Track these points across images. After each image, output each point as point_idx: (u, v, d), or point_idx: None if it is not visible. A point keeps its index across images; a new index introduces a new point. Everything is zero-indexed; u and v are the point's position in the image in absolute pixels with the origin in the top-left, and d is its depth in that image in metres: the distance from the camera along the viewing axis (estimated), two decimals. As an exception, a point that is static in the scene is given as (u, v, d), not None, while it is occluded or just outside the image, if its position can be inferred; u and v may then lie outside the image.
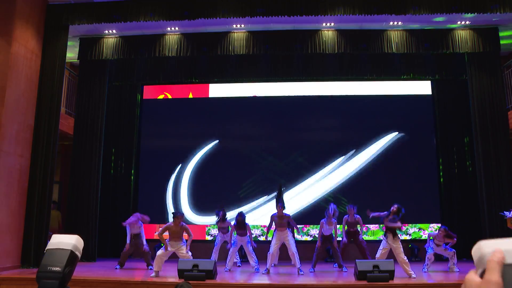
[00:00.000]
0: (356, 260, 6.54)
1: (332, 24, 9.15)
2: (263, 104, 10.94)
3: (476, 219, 9.49)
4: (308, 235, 10.24)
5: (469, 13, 8.20)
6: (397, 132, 10.59)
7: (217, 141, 10.82)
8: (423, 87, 10.86)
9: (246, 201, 10.42)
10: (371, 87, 10.88)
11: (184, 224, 7.14)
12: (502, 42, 9.26)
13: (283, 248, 8.01)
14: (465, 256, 9.69)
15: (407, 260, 6.85)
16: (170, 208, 10.43)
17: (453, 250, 7.58)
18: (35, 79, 8.39)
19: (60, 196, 11.15)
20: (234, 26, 9.19)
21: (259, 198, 10.40)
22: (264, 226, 10.13)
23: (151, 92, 11.34)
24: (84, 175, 9.37)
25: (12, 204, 7.65)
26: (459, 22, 9.04)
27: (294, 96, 10.95)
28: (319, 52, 9.33)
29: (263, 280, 6.61)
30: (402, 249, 6.94)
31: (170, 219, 7.79)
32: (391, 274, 6.20)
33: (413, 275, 6.64)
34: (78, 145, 9.55)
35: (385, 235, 7.17)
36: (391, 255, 7.17)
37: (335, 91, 10.93)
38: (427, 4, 8.08)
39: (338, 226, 8.19)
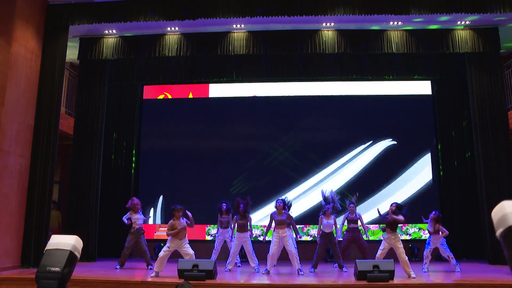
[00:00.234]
0: (356, 260, 6.54)
1: (332, 24, 9.15)
2: (263, 104, 10.95)
3: (476, 219, 9.49)
4: (308, 235, 10.24)
5: (469, 14, 8.20)
6: (391, 139, 10.58)
7: (216, 140, 10.82)
8: (423, 87, 10.86)
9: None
10: (371, 87, 10.88)
11: (185, 218, 7.12)
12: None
13: (283, 248, 8.00)
14: (465, 256, 9.71)
15: (408, 261, 6.85)
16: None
17: (451, 253, 7.56)
18: (35, 79, 8.39)
19: (60, 196, 11.16)
20: (234, 26, 9.19)
21: (259, 199, 10.37)
22: (264, 226, 10.13)
23: (151, 92, 11.34)
24: (84, 175, 9.37)
25: (12, 204, 7.66)
26: (459, 22, 9.04)
27: (294, 96, 10.95)
28: (319, 52, 9.33)
29: (263, 280, 6.61)
30: (403, 249, 6.94)
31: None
32: (391, 274, 6.20)
33: (413, 275, 6.64)
34: (78, 145, 9.56)
35: (384, 230, 7.18)
36: (391, 255, 7.17)
37: (335, 91, 10.93)
38: (427, 4, 8.08)
39: (337, 225, 8.19)
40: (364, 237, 8.46)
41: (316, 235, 8.18)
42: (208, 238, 10.36)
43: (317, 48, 9.24)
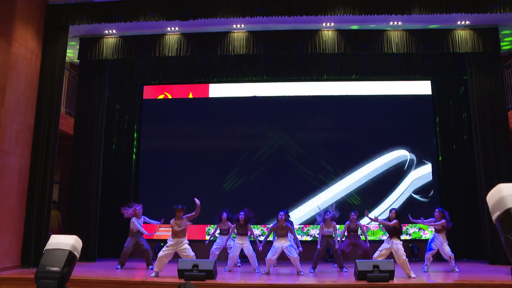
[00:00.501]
0: (356, 260, 6.54)
1: (332, 24, 9.15)
2: (263, 104, 10.94)
3: (476, 219, 9.48)
4: (308, 235, 10.24)
5: (469, 13, 8.20)
6: (405, 151, 10.59)
7: (216, 140, 10.83)
8: (423, 87, 10.85)
9: (246, 203, 10.39)
10: (371, 87, 10.88)
11: (185, 217, 7.11)
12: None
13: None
14: (465, 256, 9.71)
15: (407, 262, 6.84)
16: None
17: (452, 254, 7.56)
18: (35, 79, 8.40)
19: (60, 196, 11.16)
20: (234, 26, 9.20)
21: (258, 198, 10.37)
22: (264, 226, 10.14)
23: (151, 92, 11.34)
24: (84, 175, 9.37)
25: (12, 204, 7.66)
26: (459, 22, 9.04)
27: (294, 96, 10.95)
28: (319, 52, 9.34)
29: (263, 280, 6.61)
30: (403, 251, 6.92)
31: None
32: (391, 274, 6.20)
33: (413, 275, 6.64)
34: (78, 145, 9.55)
35: (390, 237, 7.14)
36: (391, 255, 7.16)
37: (335, 91, 10.92)
38: (427, 4, 8.08)
39: (338, 228, 8.17)
40: (362, 237, 8.45)
41: (316, 236, 8.15)
42: (208, 238, 10.34)
43: (317, 48, 9.24)
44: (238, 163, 10.68)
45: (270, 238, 7.83)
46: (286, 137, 10.73)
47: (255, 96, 11.05)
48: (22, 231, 7.92)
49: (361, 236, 8.40)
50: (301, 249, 7.47)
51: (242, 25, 9.20)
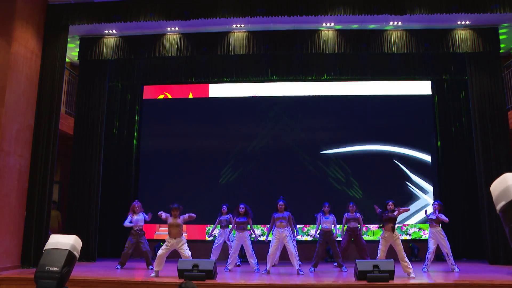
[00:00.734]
0: (356, 260, 6.55)
1: (332, 24, 9.15)
2: (263, 104, 10.94)
3: (476, 219, 9.48)
4: (308, 235, 10.24)
5: (470, 13, 8.20)
6: (405, 150, 10.59)
7: (216, 140, 10.83)
8: (423, 87, 10.85)
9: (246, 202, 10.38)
10: (371, 87, 10.88)
11: (182, 216, 7.13)
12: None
13: (283, 248, 8.01)
14: (465, 256, 9.71)
15: (406, 258, 6.88)
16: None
17: (450, 251, 7.57)
18: (35, 79, 8.40)
19: (60, 196, 11.16)
20: (234, 26, 9.20)
21: (258, 197, 10.37)
22: (264, 226, 10.13)
23: (151, 92, 11.35)
24: (84, 175, 9.37)
25: (12, 204, 7.66)
26: (459, 22, 9.04)
27: (294, 96, 10.95)
28: (319, 52, 9.33)
29: (263, 280, 6.61)
30: (402, 246, 6.96)
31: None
32: (391, 274, 6.20)
33: (412, 274, 6.65)
34: (78, 145, 9.56)
35: (383, 227, 7.18)
36: (391, 255, 7.17)
37: (335, 91, 10.92)
38: (427, 4, 8.08)
39: (338, 225, 8.21)
40: (364, 237, 8.46)
41: (315, 234, 8.20)
42: (208, 238, 10.34)
43: (317, 48, 9.24)
44: (238, 163, 10.67)
45: (270, 237, 7.86)
46: (287, 137, 10.73)
47: (255, 96, 11.05)
48: (22, 231, 7.93)
49: (360, 231, 8.42)
50: (297, 235, 7.86)
51: (242, 25, 9.20)
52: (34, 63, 8.38)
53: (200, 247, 9.30)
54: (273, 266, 8.07)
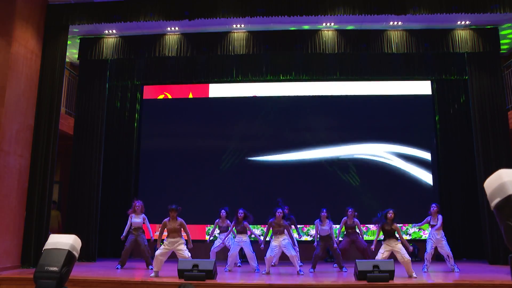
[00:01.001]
0: (356, 260, 6.54)
1: (332, 24, 9.15)
2: (263, 104, 10.94)
3: (476, 219, 9.48)
4: (308, 235, 10.24)
5: (470, 13, 8.19)
6: (405, 148, 10.59)
7: (216, 140, 10.82)
8: (423, 87, 10.85)
9: (245, 202, 10.39)
10: (371, 87, 10.88)
11: (180, 219, 7.11)
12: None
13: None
14: (465, 256, 9.70)
15: (410, 261, 6.83)
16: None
17: (451, 253, 7.55)
18: (35, 79, 8.40)
19: (60, 196, 11.16)
20: (234, 26, 9.20)
21: (258, 199, 10.37)
22: (264, 226, 10.12)
23: (151, 92, 11.35)
24: (84, 175, 9.37)
25: (12, 204, 7.66)
26: (459, 22, 9.04)
27: (294, 96, 10.95)
28: (319, 52, 9.34)
29: (263, 280, 6.60)
30: (404, 249, 6.91)
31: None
32: (391, 274, 6.20)
33: (414, 275, 6.64)
34: (78, 145, 9.56)
35: (384, 240, 7.14)
36: (391, 255, 7.15)
37: (335, 91, 10.92)
38: (427, 4, 8.08)
39: (334, 228, 8.15)
40: (364, 237, 8.45)
41: (315, 243, 8.12)
42: (208, 238, 10.33)
43: (317, 48, 9.24)
44: (238, 163, 10.67)
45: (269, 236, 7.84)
46: (286, 137, 10.73)
47: (255, 96, 11.05)
48: (22, 231, 7.92)
49: (360, 231, 8.40)
50: (297, 248, 7.44)
51: (242, 25, 9.20)
52: (34, 63, 8.37)
53: (200, 247, 9.29)
54: (273, 266, 8.07)
